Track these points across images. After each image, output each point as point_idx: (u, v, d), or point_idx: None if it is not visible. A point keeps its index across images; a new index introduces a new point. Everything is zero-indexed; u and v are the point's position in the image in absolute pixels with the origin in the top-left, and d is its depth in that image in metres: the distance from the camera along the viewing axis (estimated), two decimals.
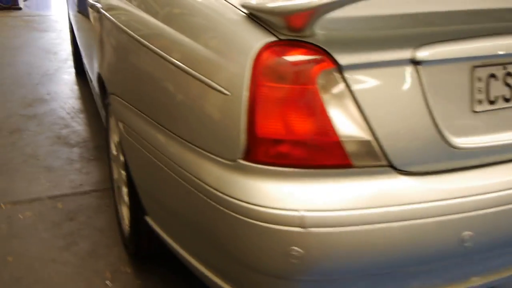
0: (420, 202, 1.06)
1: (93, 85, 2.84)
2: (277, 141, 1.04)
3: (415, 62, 1.06)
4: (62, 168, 2.68)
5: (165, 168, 1.30)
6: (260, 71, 1.03)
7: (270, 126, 1.04)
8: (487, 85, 1.14)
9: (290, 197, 1.03)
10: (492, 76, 1.14)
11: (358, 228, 1.03)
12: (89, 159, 2.80)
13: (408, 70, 1.06)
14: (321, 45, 1.03)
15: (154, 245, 1.77)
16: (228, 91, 1.07)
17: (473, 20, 1.15)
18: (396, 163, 1.07)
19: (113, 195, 2.17)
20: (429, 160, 1.10)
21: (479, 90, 1.13)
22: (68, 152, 2.87)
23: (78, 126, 3.25)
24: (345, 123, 1.03)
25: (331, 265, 1.04)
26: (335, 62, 1.03)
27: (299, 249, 1.02)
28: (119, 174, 1.97)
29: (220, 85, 1.09)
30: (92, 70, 2.37)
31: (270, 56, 1.03)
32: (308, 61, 1.02)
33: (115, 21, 1.61)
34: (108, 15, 1.72)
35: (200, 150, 1.17)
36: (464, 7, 1.13)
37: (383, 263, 1.07)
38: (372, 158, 1.05)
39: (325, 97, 1.02)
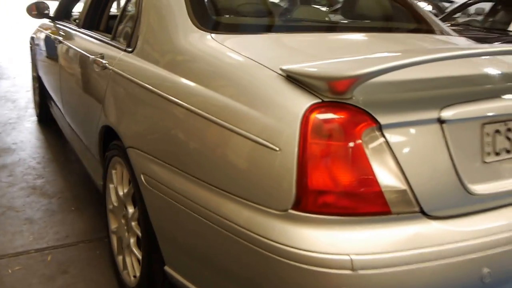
0: (447, 243, 1.20)
1: (73, 136, 2.83)
2: (326, 192, 1.15)
3: (440, 121, 1.23)
4: (44, 220, 2.63)
5: (202, 219, 1.36)
6: (309, 130, 1.15)
7: (320, 179, 1.15)
8: (494, 139, 1.32)
9: (340, 243, 1.13)
10: (497, 131, 1.32)
11: (399, 269, 1.14)
12: (70, 209, 2.75)
13: (435, 128, 1.23)
14: (361, 106, 1.17)
15: None
16: (278, 147, 1.18)
17: (482, 83, 1.35)
18: (426, 209, 1.21)
19: (110, 245, 2.16)
20: (452, 205, 1.25)
21: (488, 144, 1.31)
22: (47, 203, 2.82)
23: (52, 176, 3.20)
24: (386, 175, 1.17)
25: None
26: (376, 121, 1.17)
27: None
28: (121, 224, 1.99)
29: (268, 142, 1.20)
30: (86, 123, 2.38)
31: (319, 116, 1.15)
32: (354, 121, 1.16)
33: (139, 81, 1.69)
34: (127, 74, 1.79)
35: (244, 200, 1.25)
36: (474, 72, 1.33)
37: None
38: (407, 205, 1.19)
39: (369, 152, 1.16)
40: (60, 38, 2.89)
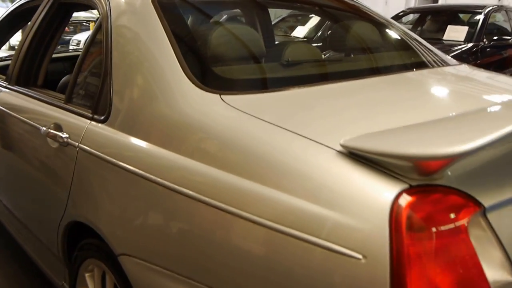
0: None
1: (18, 226, 2.35)
2: None
3: None
4: None
5: None
6: (403, 227, 0.94)
7: (422, 286, 0.94)
8: None
9: None
10: None
11: None
12: None
13: None
14: (458, 187, 0.99)
15: None
16: (361, 255, 0.96)
17: None
18: None
19: None
20: None
21: None
22: None
23: None
24: (494, 268, 0.99)
25: None
26: (479, 204, 0.99)
27: None
28: None
29: (345, 248, 0.97)
30: (40, 216, 1.98)
31: (413, 207, 0.95)
32: (456, 208, 0.96)
33: (127, 165, 1.39)
34: (107, 156, 1.47)
35: None
36: None
37: None
38: None
39: (476, 245, 0.97)
40: None
